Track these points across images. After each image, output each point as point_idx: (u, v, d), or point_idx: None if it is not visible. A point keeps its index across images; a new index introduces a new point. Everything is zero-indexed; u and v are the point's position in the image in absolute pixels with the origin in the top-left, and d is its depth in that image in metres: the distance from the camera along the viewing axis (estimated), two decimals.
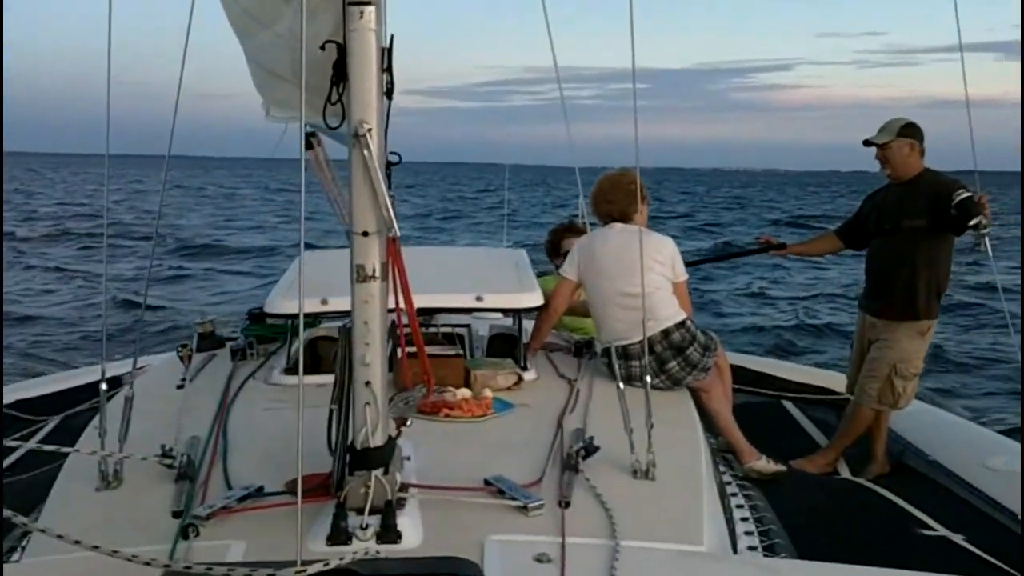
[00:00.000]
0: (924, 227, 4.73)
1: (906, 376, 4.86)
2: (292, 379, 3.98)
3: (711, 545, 2.53)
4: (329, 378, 3.89)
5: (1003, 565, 3.28)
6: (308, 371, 4.16)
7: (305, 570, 1.82)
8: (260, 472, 2.74)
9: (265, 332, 4.80)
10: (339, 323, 5.19)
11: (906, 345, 4.85)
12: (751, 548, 3.02)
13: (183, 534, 2.36)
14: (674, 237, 4.38)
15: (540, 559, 2.23)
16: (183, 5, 2.76)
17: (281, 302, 4.11)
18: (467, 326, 5.20)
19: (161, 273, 18.58)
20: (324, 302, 3.91)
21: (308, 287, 4.16)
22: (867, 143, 4.94)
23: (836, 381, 5.98)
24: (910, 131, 4.84)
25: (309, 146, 4.99)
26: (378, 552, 2.18)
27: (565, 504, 2.56)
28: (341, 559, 1.90)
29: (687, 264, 4.37)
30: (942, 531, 3.69)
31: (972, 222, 4.28)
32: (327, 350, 4.47)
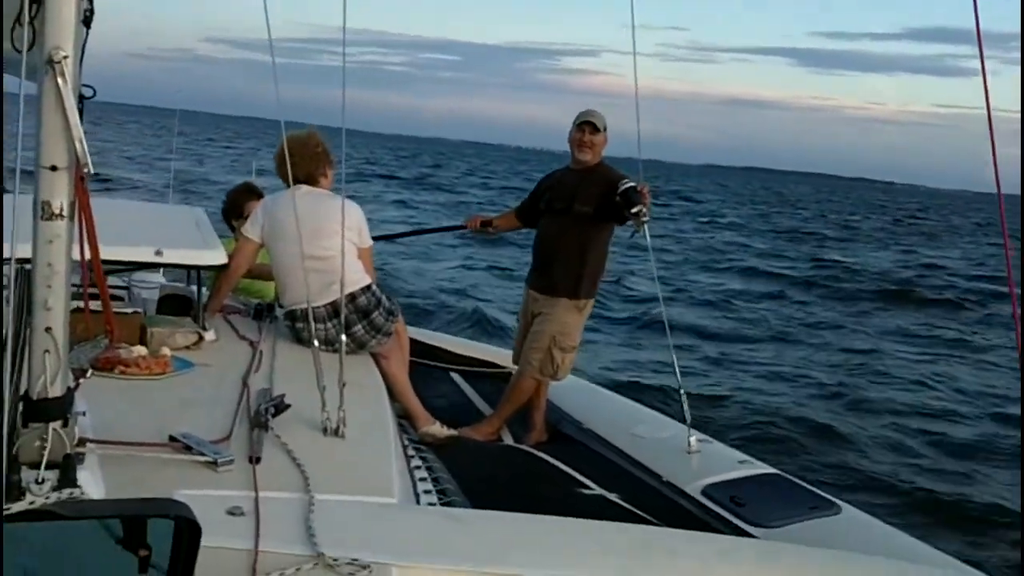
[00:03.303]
0: (590, 213, 5.07)
1: (565, 348, 5.18)
2: None
3: (400, 498, 2.60)
4: None
5: (650, 518, 3.63)
6: None
7: (10, 508, 1.69)
8: None
9: None
10: None
11: (565, 319, 5.16)
12: (431, 504, 3.13)
13: None
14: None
15: (233, 512, 2.20)
16: None
17: None
18: (126, 288, 4.94)
19: None
20: None
21: None
22: (590, 124, 5.09)
23: (501, 356, 6.29)
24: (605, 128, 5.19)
25: None
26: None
27: (256, 460, 2.53)
28: (47, 499, 1.78)
29: (389, 237, 4.41)
30: (598, 490, 4.02)
31: (634, 210, 4.64)
32: None
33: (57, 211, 2.16)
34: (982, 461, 8.72)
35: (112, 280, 4.79)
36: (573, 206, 5.10)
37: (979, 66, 2.41)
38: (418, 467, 3.57)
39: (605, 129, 5.15)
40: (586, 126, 5.10)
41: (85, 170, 2.20)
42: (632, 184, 4.75)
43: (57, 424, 2.18)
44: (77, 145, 2.13)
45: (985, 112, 2.23)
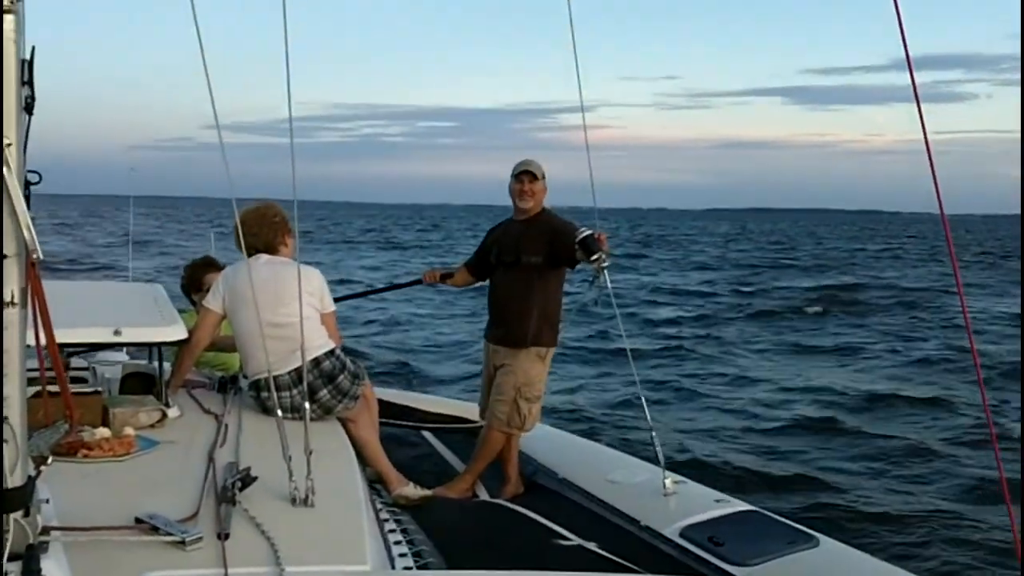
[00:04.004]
0: (540, 263, 5.10)
1: (530, 399, 5.16)
2: None
3: (374, 565, 2.58)
4: None
5: (630, 565, 3.61)
6: None
7: None
8: None
9: None
10: None
11: (528, 369, 5.14)
12: (407, 568, 3.10)
13: None
14: None
15: None
16: None
17: None
18: (89, 368, 4.89)
19: None
20: None
21: None
22: (528, 173, 5.13)
23: (471, 411, 6.26)
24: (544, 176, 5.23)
25: None
26: None
27: (225, 536, 2.50)
28: None
29: (346, 298, 4.38)
30: (576, 540, 4.00)
31: (593, 258, 4.67)
32: None
33: (9, 299, 2.15)
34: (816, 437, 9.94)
35: (74, 361, 4.74)
36: (521, 257, 5.12)
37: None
38: (392, 530, 3.54)
39: (544, 177, 5.19)
40: (524, 176, 5.14)
41: (35, 256, 2.19)
42: (589, 232, 4.78)
43: (18, 514, 2.15)
44: (25, 232, 2.13)
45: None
